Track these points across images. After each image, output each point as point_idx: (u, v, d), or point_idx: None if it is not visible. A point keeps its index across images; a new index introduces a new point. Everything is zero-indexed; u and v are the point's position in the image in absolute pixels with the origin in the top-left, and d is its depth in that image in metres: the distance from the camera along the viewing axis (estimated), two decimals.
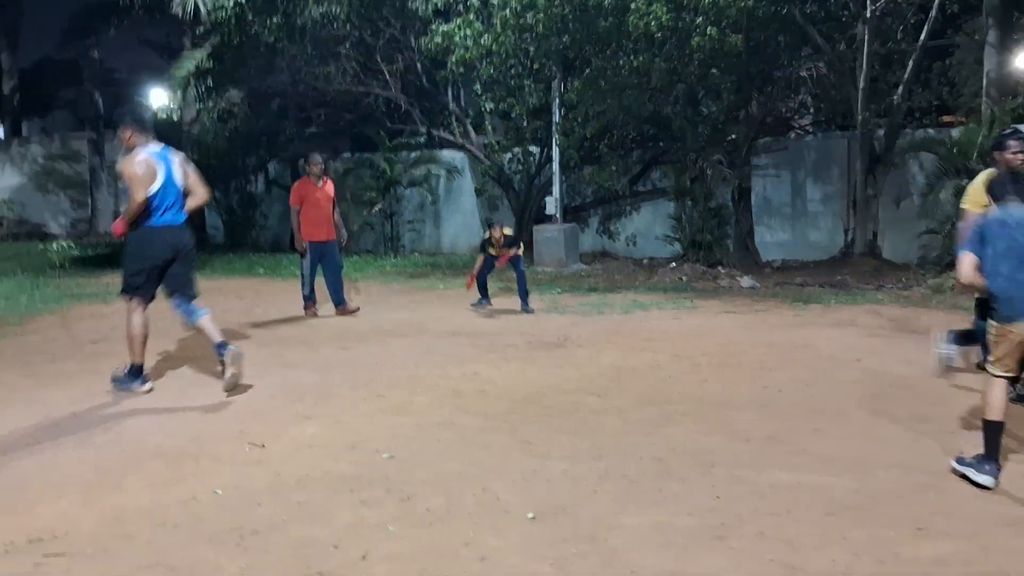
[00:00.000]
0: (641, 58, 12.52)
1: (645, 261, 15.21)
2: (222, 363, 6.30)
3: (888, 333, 8.56)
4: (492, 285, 10.75)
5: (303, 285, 10.10)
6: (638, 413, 5.73)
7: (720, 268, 13.38)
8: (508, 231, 10.46)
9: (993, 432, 4.46)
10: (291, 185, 11.17)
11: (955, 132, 13.16)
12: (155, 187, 6.28)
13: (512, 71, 14.77)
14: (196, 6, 17.14)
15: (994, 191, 4.70)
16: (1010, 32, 12.89)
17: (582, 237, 15.97)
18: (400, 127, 18.01)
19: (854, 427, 5.41)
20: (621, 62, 12.97)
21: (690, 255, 14.19)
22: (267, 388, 6.48)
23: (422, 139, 17.92)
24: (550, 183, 15.44)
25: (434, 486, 4.32)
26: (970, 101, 13.84)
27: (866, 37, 12.68)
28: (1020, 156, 5.65)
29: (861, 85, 12.88)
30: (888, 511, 4.02)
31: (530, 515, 3.94)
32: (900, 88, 13.11)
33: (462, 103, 17.09)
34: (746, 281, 12.34)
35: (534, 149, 16.48)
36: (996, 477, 4.36)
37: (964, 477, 4.40)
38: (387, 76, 16.63)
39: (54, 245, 13.77)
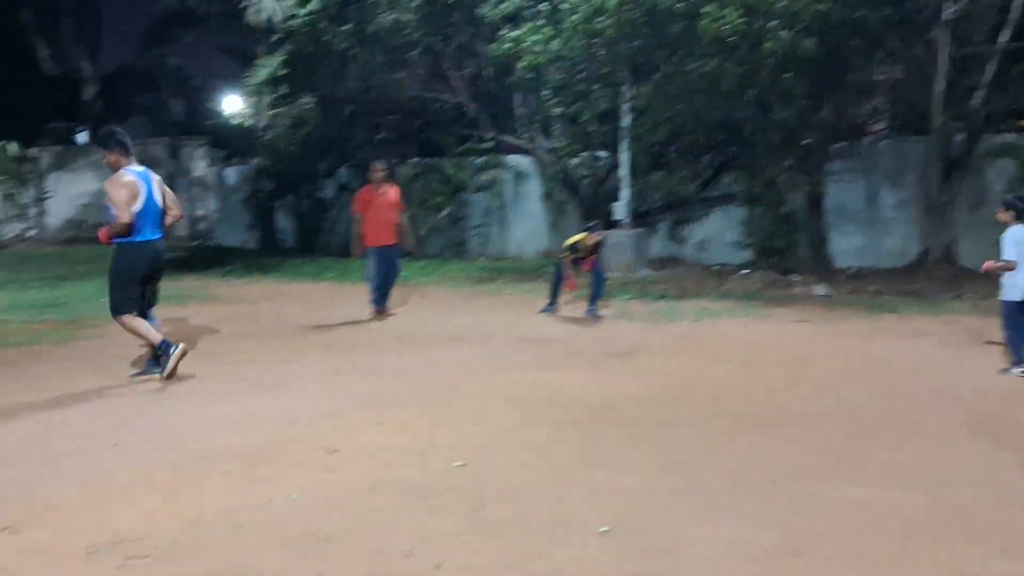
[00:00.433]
0: (712, 63, 12.37)
1: (715, 268, 15.00)
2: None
3: (966, 344, 8.30)
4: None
5: (371, 288, 10.31)
6: (710, 424, 5.64)
7: (792, 275, 13.13)
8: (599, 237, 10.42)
9: None
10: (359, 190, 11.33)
11: None
12: (137, 206, 6.78)
13: (581, 76, 14.72)
14: (271, 14, 17.48)
15: None
16: None
17: (650, 243, 15.84)
18: (468, 132, 18.09)
19: (931, 441, 5.25)
20: (691, 67, 12.83)
21: (761, 262, 13.96)
22: (336, 393, 6.55)
23: (489, 144, 17.96)
24: (618, 188, 15.34)
25: (505, 496, 4.31)
26: None
27: (943, 40, 12.33)
28: None
29: (937, 89, 12.53)
30: (968, 529, 3.89)
31: (604, 528, 3.90)
32: (979, 92, 12.71)
33: (530, 108, 17.08)
34: (819, 289, 12.09)
35: (602, 154, 16.39)
36: None
37: None
38: (456, 82, 16.72)
39: None
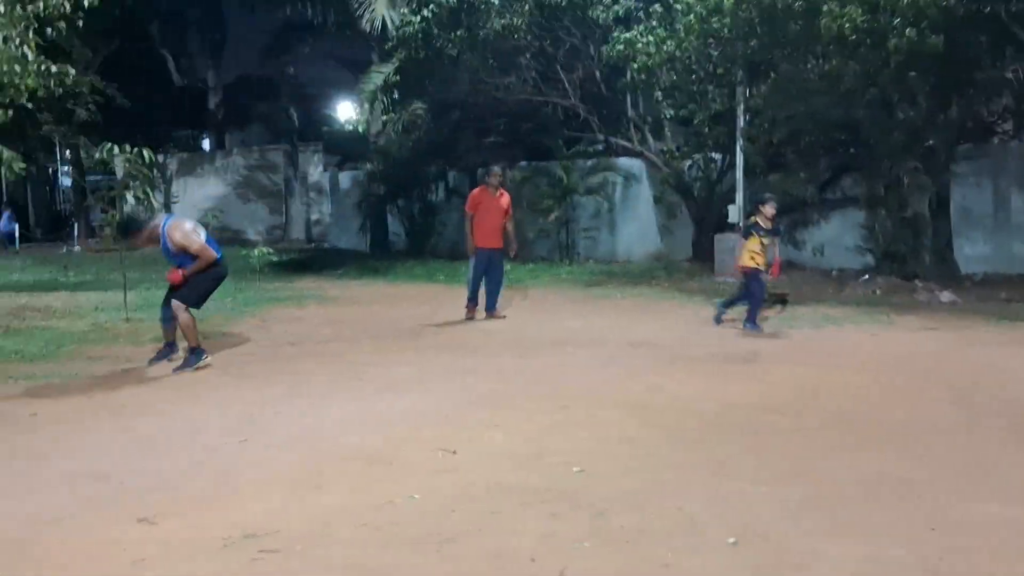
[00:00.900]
0: (833, 62, 12.00)
1: (834, 272, 14.53)
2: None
3: None
4: (673, 293, 10.52)
5: (469, 287, 10.61)
6: (834, 435, 5.45)
7: (916, 281, 12.60)
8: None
9: None
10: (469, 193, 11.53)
11: None
12: (203, 234, 7.92)
13: (695, 77, 14.51)
14: (384, 23, 17.84)
15: None
16: None
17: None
18: (578, 135, 18.06)
19: None
20: (810, 66, 12.48)
21: (883, 267, 13.46)
22: (451, 395, 6.61)
23: (599, 147, 17.88)
24: (732, 191, 15.05)
25: (626, 503, 4.25)
26: None
27: None
28: None
29: None
30: None
31: (731, 540, 3.80)
32: None
33: (641, 110, 16.93)
34: (946, 296, 11.57)
35: (716, 156, 16.11)
36: None
37: None
38: (566, 85, 16.72)
39: (255, 251, 14.62)
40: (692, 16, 12.60)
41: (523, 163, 19.47)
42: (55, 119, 25.79)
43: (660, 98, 15.87)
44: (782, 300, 10.85)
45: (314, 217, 26.22)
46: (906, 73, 12.04)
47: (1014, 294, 11.59)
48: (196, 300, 7.89)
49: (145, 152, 10.56)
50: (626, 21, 15.03)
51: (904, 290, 12.24)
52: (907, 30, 10.94)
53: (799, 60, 12.66)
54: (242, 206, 26.59)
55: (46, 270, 18.58)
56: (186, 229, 7.86)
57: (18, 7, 8.87)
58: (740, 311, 9.56)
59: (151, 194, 11.50)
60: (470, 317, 10.52)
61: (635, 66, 13.77)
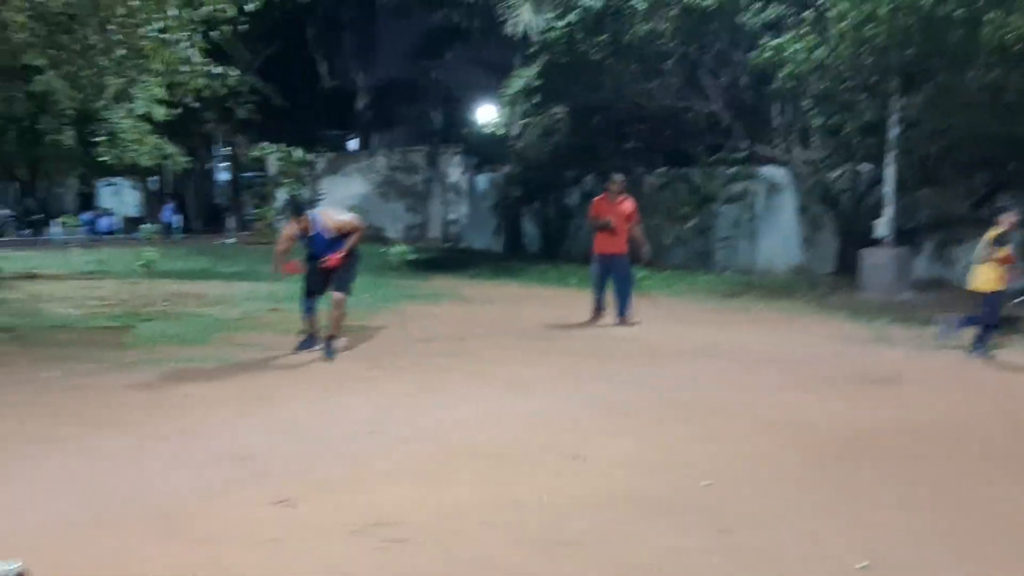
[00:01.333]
0: (994, 73, 11.37)
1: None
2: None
3: None
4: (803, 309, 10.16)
5: (593, 292, 10.75)
6: (978, 466, 5.14)
7: None
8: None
9: None
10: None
11: None
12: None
13: (846, 85, 13.99)
14: (528, 28, 18.02)
15: None
16: None
17: (914, 263, 14.75)
18: (720, 142, 17.71)
19: None
20: (970, 77, 11.84)
21: None
22: (579, 400, 6.60)
23: (743, 154, 17.49)
24: (880, 204, 14.43)
25: (755, 522, 4.15)
26: None
27: None
28: None
29: None
30: None
31: (861, 565, 3.65)
32: None
33: (787, 118, 16.46)
34: None
35: (865, 167, 15.49)
36: None
37: None
38: (710, 91, 16.44)
39: (393, 249, 15.04)
40: (845, 23, 12.15)
41: (662, 169, 19.26)
42: (216, 117, 27.30)
43: (808, 106, 15.36)
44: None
45: (451, 217, 26.74)
46: None
47: None
48: (352, 287, 8.50)
49: (296, 152, 11.03)
50: (776, 27, 14.65)
51: None
52: None
53: (958, 71, 12.02)
54: (383, 205, 27.38)
55: (202, 260, 19.67)
56: (333, 214, 8.49)
57: (187, 12, 9.42)
58: (886, 326, 9.17)
59: (300, 191, 12.00)
60: (595, 321, 10.61)
61: (783, 73, 13.39)
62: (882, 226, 14.08)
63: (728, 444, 5.52)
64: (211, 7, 9.93)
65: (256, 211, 26.10)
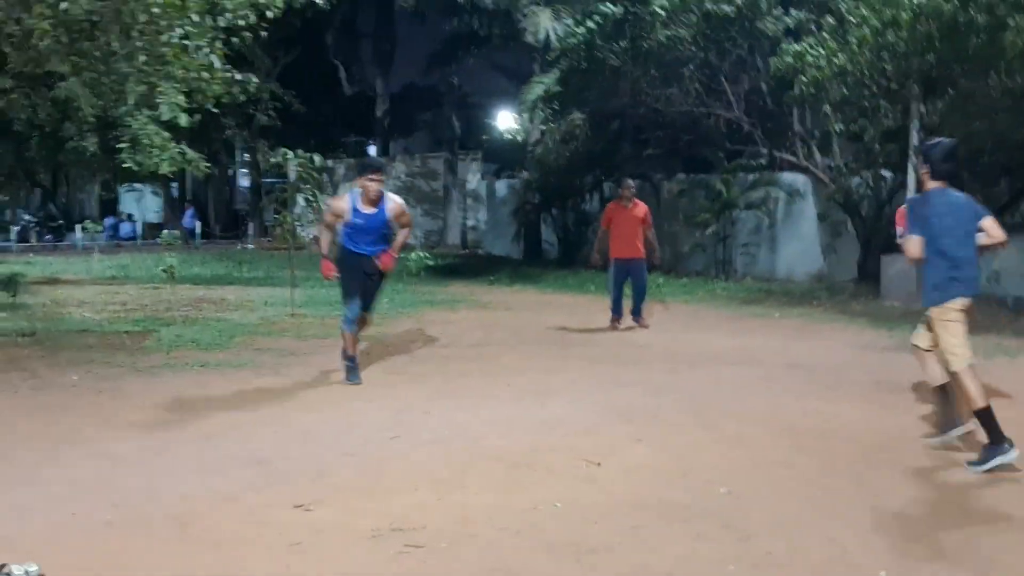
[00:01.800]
0: (1017, 78, 11.27)
1: (1009, 301, 13.59)
2: None
3: None
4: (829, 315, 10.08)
5: (611, 298, 10.84)
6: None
7: None
8: None
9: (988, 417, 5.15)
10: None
11: None
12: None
13: (867, 91, 13.91)
14: (548, 34, 18.04)
15: None
16: None
17: None
18: (739, 148, 17.65)
19: None
20: (992, 82, 11.74)
21: None
22: (598, 406, 6.58)
23: (762, 161, 17.42)
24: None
25: (774, 528, 4.11)
26: None
27: None
28: None
29: None
30: None
31: (882, 574, 3.61)
32: None
33: (808, 124, 16.39)
34: None
35: (886, 173, 15.39)
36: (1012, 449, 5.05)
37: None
38: (730, 97, 16.38)
39: (412, 255, 15.07)
40: (866, 29, 12.08)
41: (681, 175, 19.20)
42: (237, 123, 27.48)
43: (829, 112, 15.30)
44: None
45: (470, 224, 26.80)
46: None
47: None
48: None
49: (316, 157, 11.09)
50: (796, 33, 14.60)
51: None
52: None
53: (980, 76, 11.92)
54: None
55: (222, 265, 19.80)
56: (403, 204, 7.55)
57: (208, 19, 9.47)
58: (908, 334, 9.02)
59: (319, 197, 12.07)
60: (614, 328, 10.69)
61: (804, 79, 13.32)
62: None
63: (747, 451, 5.48)
64: (232, 14, 9.97)
65: (276, 217, 26.28)
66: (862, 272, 15.38)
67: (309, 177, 11.87)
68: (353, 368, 7.33)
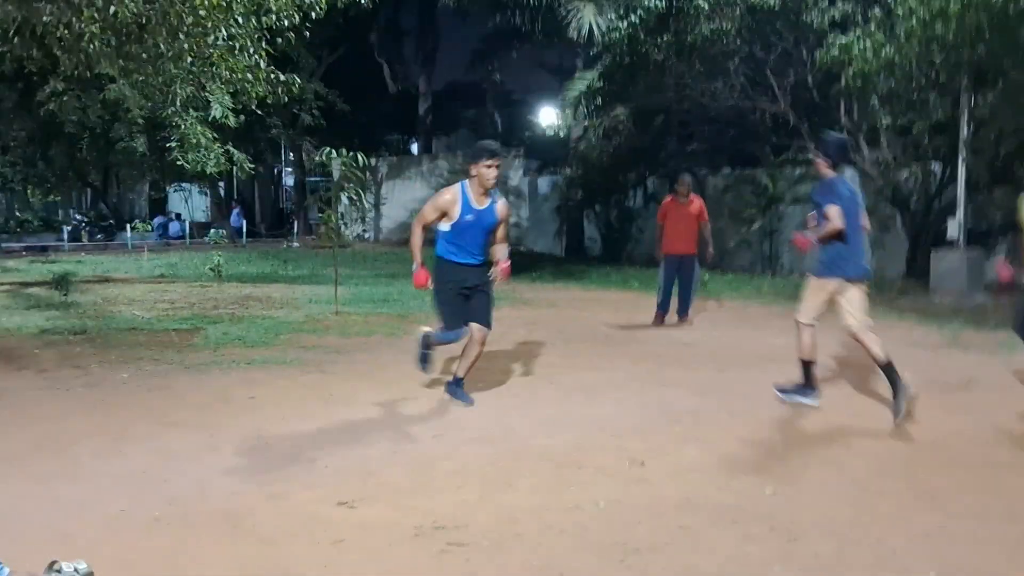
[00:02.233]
0: None
1: None
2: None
3: None
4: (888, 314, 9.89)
5: (659, 294, 10.80)
6: None
7: None
8: None
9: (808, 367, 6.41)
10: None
11: None
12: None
13: (915, 84, 13.66)
14: (591, 29, 17.96)
15: None
16: None
17: (987, 265, 14.32)
18: (786, 143, 17.44)
19: None
20: None
21: None
22: (645, 405, 6.53)
23: (809, 155, 17.18)
24: (952, 205, 14.05)
25: (821, 530, 4.05)
26: None
27: None
28: None
29: None
30: None
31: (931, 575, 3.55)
32: None
33: (855, 117, 16.14)
34: None
35: (935, 167, 15.11)
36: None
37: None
38: (776, 91, 16.18)
39: None
40: (914, 21, 11.85)
41: (726, 170, 19.03)
42: (282, 123, 27.77)
43: (876, 106, 15.05)
44: None
45: (512, 221, 26.79)
46: None
47: None
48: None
49: (359, 156, 11.17)
50: (842, 25, 14.37)
51: None
52: None
53: None
54: None
55: (268, 263, 20.03)
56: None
57: (253, 20, 9.60)
58: (959, 330, 8.83)
59: (363, 195, 12.15)
60: (659, 323, 10.66)
61: (850, 72, 13.12)
62: (953, 227, 13.71)
63: (795, 449, 5.41)
64: (276, 15, 10.09)
65: (320, 215, 26.57)
66: (911, 267, 15.12)
67: (352, 176, 11.96)
68: (428, 356, 6.49)
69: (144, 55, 9.29)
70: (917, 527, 4.10)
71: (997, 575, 3.60)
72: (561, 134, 22.36)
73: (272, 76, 10.26)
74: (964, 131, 13.40)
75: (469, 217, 6.15)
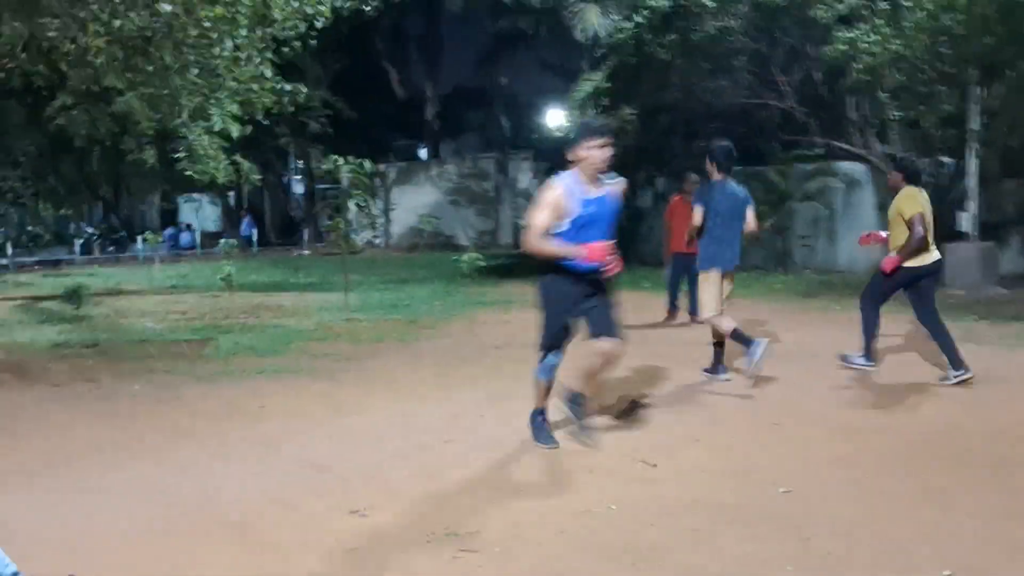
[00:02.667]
0: None
1: None
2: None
3: None
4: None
5: (667, 293, 10.91)
6: None
7: None
8: None
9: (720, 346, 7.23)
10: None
11: None
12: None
13: (923, 77, 13.59)
14: (596, 30, 17.96)
15: None
16: None
17: (1000, 258, 14.23)
18: (794, 139, 17.36)
19: None
20: None
21: None
22: (659, 407, 6.50)
23: (819, 151, 17.12)
24: (964, 198, 13.96)
25: (833, 528, 4.02)
26: None
27: None
28: None
29: None
30: None
31: (945, 574, 3.51)
32: None
33: (864, 112, 16.07)
34: None
35: (946, 160, 15.01)
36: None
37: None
38: (783, 87, 16.12)
39: (464, 256, 15.13)
40: (921, 13, 11.80)
41: (735, 167, 18.94)
42: (290, 132, 27.85)
43: (885, 99, 14.99)
44: None
45: (522, 223, 26.76)
46: None
47: None
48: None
49: (366, 163, 11.19)
50: (849, 20, 14.32)
51: None
52: None
53: None
54: (454, 212, 27.58)
55: (279, 272, 20.09)
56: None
57: (258, 29, 9.63)
58: (972, 324, 8.78)
59: (371, 202, 12.17)
60: (669, 323, 10.71)
61: (858, 66, 13.07)
62: (966, 220, 13.63)
63: (808, 449, 5.37)
64: (282, 24, 10.12)
65: (329, 223, 26.64)
66: None
67: (360, 182, 11.99)
68: (543, 427, 5.40)
69: (150, 68, 9.34)
70: (926, 525, 4.07)
71: (1002, 571, 3.56)
72: (569, 135, 22.36)
73: (278, 86, 10.29)
74: (974, 124, 13.33)
75: (589, 210, 5.11)
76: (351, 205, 13.25)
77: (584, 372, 5.50)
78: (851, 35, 13.09)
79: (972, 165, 13.55)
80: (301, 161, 33.34)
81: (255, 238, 30.46)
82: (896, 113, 14.95)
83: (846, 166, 16.88)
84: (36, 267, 24.38)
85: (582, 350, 5.53)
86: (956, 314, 10.61)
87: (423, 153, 34.67)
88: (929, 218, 7.28)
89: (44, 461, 5.31)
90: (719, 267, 7.12)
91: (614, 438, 5.61)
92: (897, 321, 9.78)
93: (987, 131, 13.13)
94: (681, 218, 10.58)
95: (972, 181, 13.61)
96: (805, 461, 5.12)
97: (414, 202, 27.88)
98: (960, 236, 13.72)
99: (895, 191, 7.42)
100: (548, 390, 5.48)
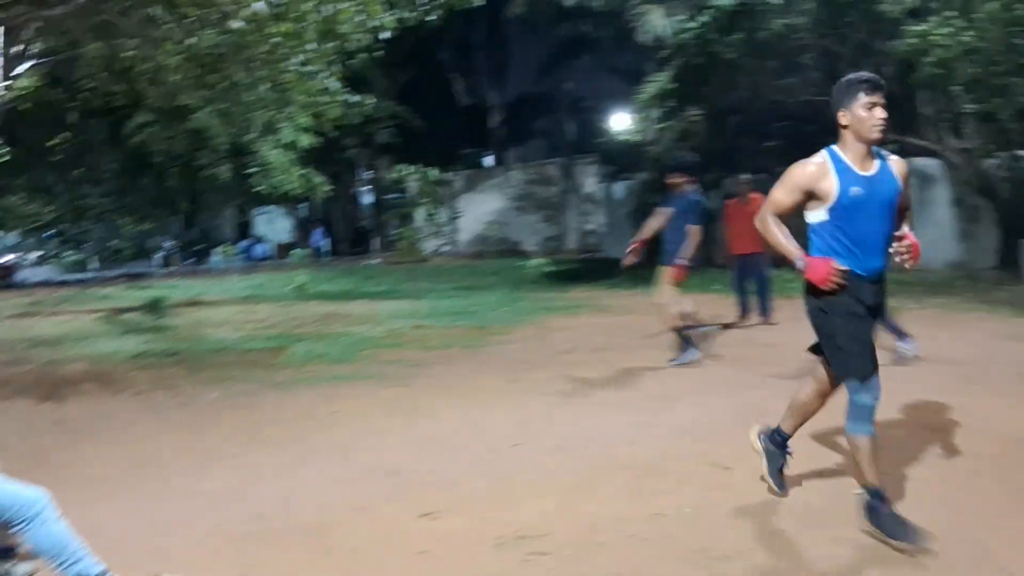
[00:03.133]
0: None
1: None
2: None
3: None
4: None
5: (736, 295, 10.96)
6: None
7: None
8: None
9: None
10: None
11: None
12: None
13: (998, 69, 13.17)
14: (660, 32, 17.83)
15: None
16: None
17: None
18: None
19: None
20: None
21: None
22: (727, 409, 6.43)
23: (891, 147, 16.72)
24: None
25: None
26: None
27: None
28: None
29: None
30: None
31: None
32: None
33: (937, 106, 15.64)
34: None
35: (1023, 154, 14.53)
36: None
37: None
38: None
39: (531, 262, 15.18)
40: (995, 3, 11.44)
41: None
42: (358, 143, 28.30)
43: (959, 93, 14.56)
44: None
45: (588, 227, 26.70)
46: None
47: None
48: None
49: (432, 172, 11.30)
50: (918, 13, 13.96)
51: None
52: None
53: None
54: (520, 219, 27.63)
55: (349, 281, 20.40)
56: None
57: (326, 43, 9.82)
58: None
59: (438, 210, 12.30)
60: (740, 326, 10.63)
61: (930, 60, 12.73)
62: None
63: (886, 451, 5.23)
64: (348, 38, 10.30)
65: (398, 232, 26.96)
66: (1002, 258, 14.57)
67: (426, 191, 12.12)
68: (882, 507, 3.85)
69: (222, 84, 9.60)
70: (1014, 526, 3.95)
71: None
72: (635, 139, 22.19)
73: (345, 98, 10.47)
74: None
75: (856, 190, 3.88)
76: (418, 214, 13.39)
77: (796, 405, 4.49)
78: (921, 28, 12.76)
79: None
80: (370, 171, 33.83)
81: (326, 248, 31.00)
82: (970, 107, 14.51)
83: (919, 162, 16.41)
84: (119, 280, 25.19)
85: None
86: None
87: (489, 161, 34.85)
88: None
89: (128, 468, 5.50)
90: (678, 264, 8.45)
91: (687, 443, 5.57)
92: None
93: None
94: (737, 220, 10.67)
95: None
96: (888, 462, 4.97)
97: (480, 209, 28.02)
98: None
99: None
100: (875, 451, 3.93)
